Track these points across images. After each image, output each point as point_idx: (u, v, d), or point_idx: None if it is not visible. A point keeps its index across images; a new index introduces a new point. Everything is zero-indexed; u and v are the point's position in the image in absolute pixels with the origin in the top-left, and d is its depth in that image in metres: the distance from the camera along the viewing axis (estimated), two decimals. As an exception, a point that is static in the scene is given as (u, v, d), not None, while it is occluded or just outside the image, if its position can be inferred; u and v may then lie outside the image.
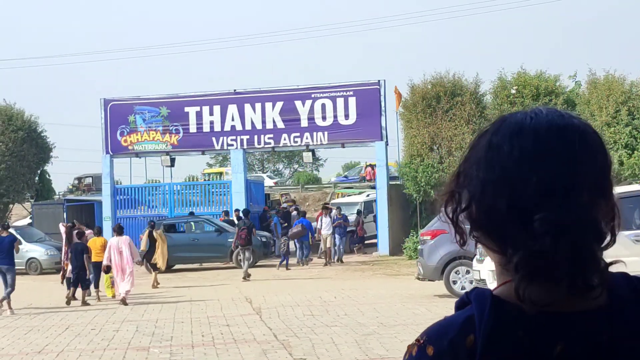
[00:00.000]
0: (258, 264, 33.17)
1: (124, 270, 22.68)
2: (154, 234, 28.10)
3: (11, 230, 23.46)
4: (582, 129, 1.59)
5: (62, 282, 24.71)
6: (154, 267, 27.40)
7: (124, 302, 22.01)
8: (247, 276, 28.22)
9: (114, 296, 23.45)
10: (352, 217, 37.40)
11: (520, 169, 1.53)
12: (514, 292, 1.52)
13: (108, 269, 23.05)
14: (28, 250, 35.59)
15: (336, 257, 33.57)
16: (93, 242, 24.16)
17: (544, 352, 1.52)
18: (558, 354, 1.52)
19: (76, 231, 24.33)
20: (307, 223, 33.71)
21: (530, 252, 1.48)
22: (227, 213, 37.28)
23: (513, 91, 34.71)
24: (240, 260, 30.30)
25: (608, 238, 1.56)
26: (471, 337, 1.54)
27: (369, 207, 40.37)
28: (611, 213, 1.57)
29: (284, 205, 44.97)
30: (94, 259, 23.34)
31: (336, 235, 33.61)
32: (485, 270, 17.58)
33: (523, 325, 1.52)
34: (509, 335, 1.52)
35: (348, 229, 35.64)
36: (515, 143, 1.55)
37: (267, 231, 36.58)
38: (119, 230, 23.76)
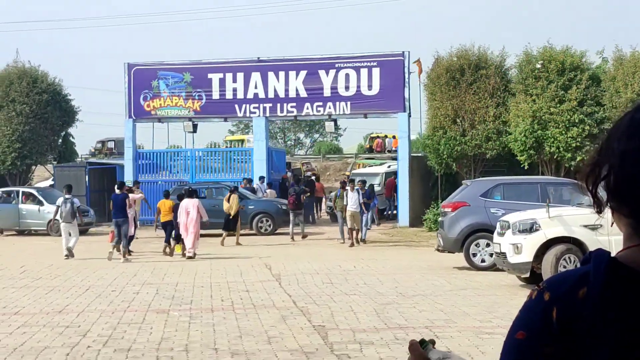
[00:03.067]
0: (277, 231, 33.28)
1: (187, 229, 24.94)
2: (232, 197, 29.99)
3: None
4: None
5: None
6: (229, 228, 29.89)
7: (189, 257, 24.67)
8: (304, 236, 30.46)
9: (179, 252, 25.75)
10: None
11: None
12: (637, 254, 1.67)
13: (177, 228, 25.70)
14: (49, 211, 35.74)
15: (359, 237, 29.81)
16: (162, 204, 26.70)
17: None
18: None
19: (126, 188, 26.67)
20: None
21: None
22: (249, 181, 37.40)
23: (538, 65, 34.45)
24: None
25: None
26: (584, 289, 1.68)
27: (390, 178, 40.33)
28: None
29: (308, 173, 45.16)
30: (163, 218, 26.42)
31: (362, 215, 29.72)
32: (505, 244, 17.56)
33: (633, 288, 1.65)
34: (619, 294, 1.65)
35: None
36: None
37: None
38: (189, 194, 25.91)
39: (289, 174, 42.49)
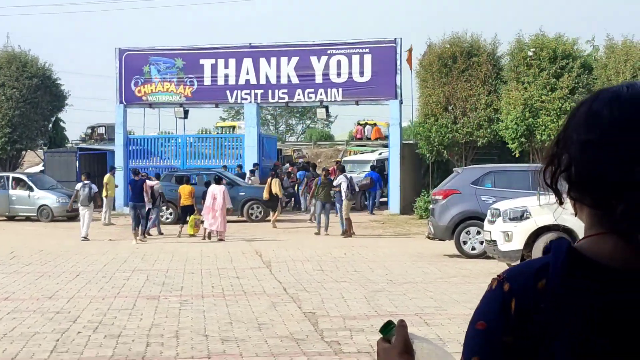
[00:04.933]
0: (268, 218, 33.25)
1: (214, 211, 26.50)
2: (274, 181, 31.44)
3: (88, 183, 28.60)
4: None
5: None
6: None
7: (209, 236, 26.73)
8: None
9: (193, 235, 27.58)
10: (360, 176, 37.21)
11: (619, 130, 1.67)
12: (597, 244, 1.67)
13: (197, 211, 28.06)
14: (40, 197, 35.79)
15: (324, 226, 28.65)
16: (183, 189, 28.85)
17: (609, 306, 1.64)
18: (620, 310, 1.63)
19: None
20: (376, 176, 36.57)
21: (633, 200, 1.62)
22: (240, 167, 37.54)
23: (530, 53, 34.43)
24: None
25: None
26: (543, 281, 1.68)
27: (380, 165, 40.34)
28: None
29: (300, 160, 45.21)
30: (183, 202, 28.56)
31: (337, 204, 28.59)
32: (496, 232, 17.59)
33: (593, 278, 1.65)
34: (578, 284, 1.65)
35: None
36: (615, 107, 1.69)
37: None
38: (217, 180, 28.10)
39: (287, 164, 42.53)
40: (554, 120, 33.20)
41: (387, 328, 1.91)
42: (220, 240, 26.41)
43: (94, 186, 28.41)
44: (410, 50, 38.66)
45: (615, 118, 1.68)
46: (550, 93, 33.64)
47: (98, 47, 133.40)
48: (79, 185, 28.45)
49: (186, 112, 40.20)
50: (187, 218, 28.36)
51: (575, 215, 1.76)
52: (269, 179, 31.80)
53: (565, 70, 33.96)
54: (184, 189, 28.87)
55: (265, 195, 31.42)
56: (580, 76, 33.95)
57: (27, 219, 36.24)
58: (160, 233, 28.73)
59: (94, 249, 23.64)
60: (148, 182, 28.02)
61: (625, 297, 1.63)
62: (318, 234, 28.27)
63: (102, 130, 60.03)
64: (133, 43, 52.65)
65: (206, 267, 19.36)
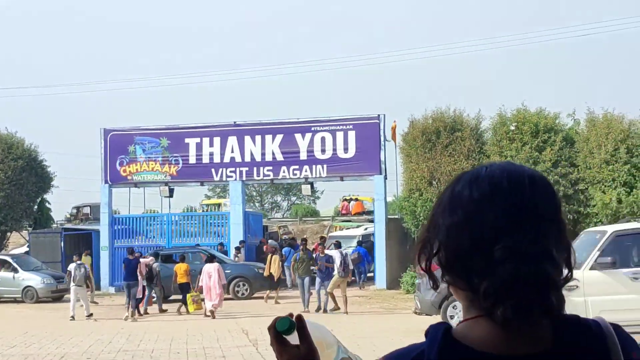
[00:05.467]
0: (254, 295, 33.09)
1: (210, 290, 27.00)
2: (274, 258, 31.29)
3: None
4: (530, 174, 1.76)
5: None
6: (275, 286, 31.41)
7: (212, 315, 26.77)
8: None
9: (192, 311, 27.83)
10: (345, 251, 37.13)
11: (479, 209, 1.70)
12: (472, 329, 1.68)
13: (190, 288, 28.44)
14: (24, 278, 35.55)
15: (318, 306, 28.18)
16: (178, 267, 28.99)
17: None
18: None
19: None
20: (363, 251, 37.61)
21: (498, 278, 1.62)
22: (222, 244, 37.48)
23: (512, 127, 34.76)
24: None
25: (565, 272, 1.73)
26: None
27: (366, 240, 40.36)
28: (564, 247, 1.73)
29: (285, 237, 45.17)
30: (179, 280, 28.66)
31: (317, 278, 27.98)
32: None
33: None
34: None
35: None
36: (474, 187, 1.73)
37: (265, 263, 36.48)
38: (210, 259, 28.77)
39: (271, 241, 42.44)
40: (538, 193, 33.36)
41: (285, 324, 1.87)
42: (209, 315, 26.79)
43: (87, 266, 29.11)
44: (394, 127, 38.97)
45: (474, 198, 1.71)
46: (533, 166, 33.70)
47: (83, 127, 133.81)
48: (72, 266, 28.58)
49: (171, 191, 40.24)
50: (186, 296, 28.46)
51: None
52: (269, 256, 31.57)
53: (548, 144, 34.25)
54: (180, 267, 29.06)
55: (267, 272, 31.24)
56: (562, 149, 34.23)
57: (14, 300, 35.97)
58: (145, 312, 28.54)
59: (79, 330, 23.45)
60: (143, 260, 28.52)
61: None
62: (307, 310, 27.59)
63: (87, 210, 59.87)
64: (118, 123, 52.91)
65: (192, 346, 19.23)
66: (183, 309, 28.40)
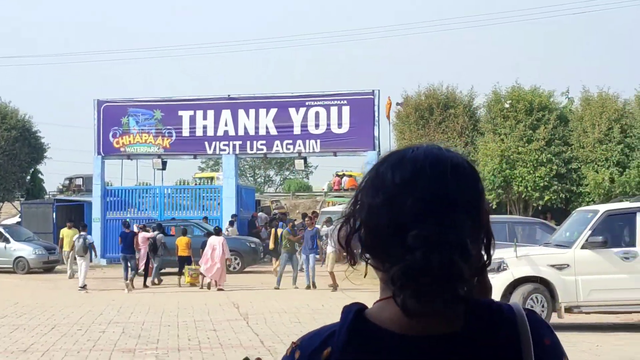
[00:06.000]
0: (246, 269, 33.12)
1: (212, 260, 27.21)
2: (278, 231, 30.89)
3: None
4: (455, 161, 1.75)
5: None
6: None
7: (208, 287, 27.33)
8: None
9: (193, 284, 28.39)
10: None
11: (399, 193, 1.69)
12: (384, 309, 1.69)
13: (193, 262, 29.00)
14: (16, 249, 35.49)
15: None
16: (180, 240, 29.47)
17: None
18: None
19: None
20: None
21: (405, 265, 1.61)
22: (206, 218, 37.35)
23: (507, 105, 34.76)
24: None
25: (485, 258, 1.75)
26: (328, 349, 1.70)
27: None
28: (482, 235, 1.75)
29: (276, 211, 45.13)
30: (180, 253, 29.20)
31: (303, 254, 27.88)
32: (473, 283, 17.55)
33: (374, 345, 1.67)
34: (360, 353, 1.67)
35: None
36: (397, 170, 1.72)
37: (257, 237, 36.53)
38: (217, 232, 28.59)
39: (261, 214, 42.42)
40: (531, 171, 33.43)
41: None
42: (220, 289, 26.82)
43: (89, 237, 29.59)
44: (389, 104, 38.89)
45: (395, 182, 1.71)
46: (526, 145, 33.89)
47: (77, 98, 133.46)
48: (75, 237, 29.58)
49: (164, 164, 40.16)
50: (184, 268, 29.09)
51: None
52: (273, 230, 31.59)
53: (542, 122, 34.26)
54: (181, 241, 29.52)
55: (271, 245, 31.02)
56: (556, 128, 34.26)
57: (5, 271, 35.92)
58: (152, 283, 29.14)
59: (70, 301, 23.47)
60: (144, 234, 29.43)
61: None
62: (277, 288, 27.05)
63: (79, 181, 59.75)
64: (112, 95, 52.76)
65: (183, 319, 19.24)
66: (183, 280, 28.82)
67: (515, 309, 1.74)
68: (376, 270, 1.73)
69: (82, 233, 29.22)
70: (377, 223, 1.70)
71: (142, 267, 29.40)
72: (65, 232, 33.66)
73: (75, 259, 29.49)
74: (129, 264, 28.20)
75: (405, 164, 1.73)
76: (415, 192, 1.68)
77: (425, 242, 1.62)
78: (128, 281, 27.73)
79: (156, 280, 29.31)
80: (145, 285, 28.61)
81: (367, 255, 1.74)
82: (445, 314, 1.64)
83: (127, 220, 32.35)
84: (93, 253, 29.94)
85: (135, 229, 30.20)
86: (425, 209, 1.66)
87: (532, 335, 1.71)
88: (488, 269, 1.85)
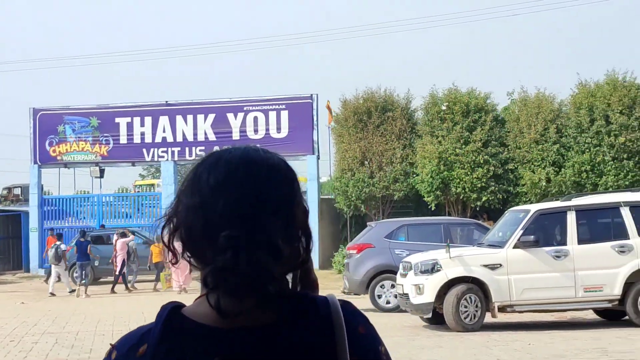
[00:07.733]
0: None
1: (183, 269, 26.38)
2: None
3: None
4: (270, 163, 1.81)
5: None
6: None
7: (184, 291, 27.76)
8: None
9: (165, 289, 29.42)
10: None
11: (212, 195, 1.73)
12: (200, 305, 1.74)
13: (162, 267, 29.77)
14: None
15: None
16: (154, 247, 29.62)
17: None
18: None
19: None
20: None
21: (216, 265, 1.66)
22: (103, 226, 36.92)
23: (444, 107, 34.95)
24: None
25: (304, 256, 1.83)
26: (144, 347, 1.72)
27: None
28: (298, 233, 1.82)
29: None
30: (154, 260, 29.88)
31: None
32: (408, 285, 17.64)
33: (187, 340, 1.70)
34: (173, 348, 1.70)
35: None
36: (212, 172, 1.76)
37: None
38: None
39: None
40: (468, 172, 33.66)
41: None
42: (184, 291, 27.82)
43: (62, 245, 30.12)
44: (328, 106, 38.87)
45: (210, 184, 1.74)
46: (464, 146, 34.10)
47: (14, 106, 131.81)
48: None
49: (102, 171, 39.79)
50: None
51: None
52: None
53: (478, 124, 34.51)
54: (155, 248, 29.76)
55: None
56: (492, 129, 34.53)
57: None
58: (128, 289, 29.93)
59: (5, 313, 23.12)
60: (123, 240, 30.22)
61: (213, 357, 1.68)
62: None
63: (18, 191, 59.00)
64: (47, 103, 52.14)
65: (118, 328, 19.03)
66: (159, 285, 29.86)
67: (329, 300, 1.82)
68: (196, 269, 1.76)
69: (57, 242, 30.04)
70: (193, 224, 1.73)
71: (117, 272, 29.93)
72: None
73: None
74: (84, 271, 28.83)
75: (219, 166, 1.77)
76: (226, 194, 1.72)
77: (235, 243, 1.66)
78: (82, 286, 28.27)
79: (130, 287, 30.04)
80: (112, 291, 29.36)
81: (188, 254, 1.77)
82: (258, 309, 1.68)
83: (85, 230, 32.39)
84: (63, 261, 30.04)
85: (115, 236, 30.87)
86: (236, 210, 1.70)
87: (346, 325, 1.76)
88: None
